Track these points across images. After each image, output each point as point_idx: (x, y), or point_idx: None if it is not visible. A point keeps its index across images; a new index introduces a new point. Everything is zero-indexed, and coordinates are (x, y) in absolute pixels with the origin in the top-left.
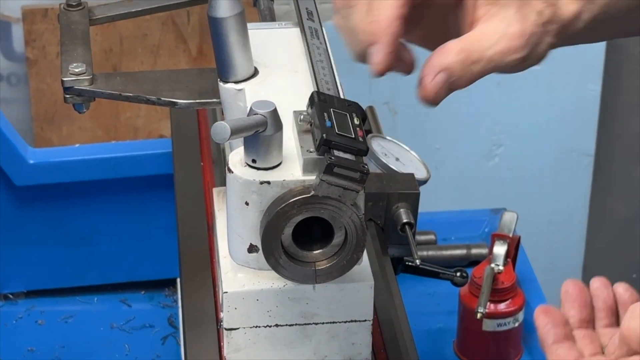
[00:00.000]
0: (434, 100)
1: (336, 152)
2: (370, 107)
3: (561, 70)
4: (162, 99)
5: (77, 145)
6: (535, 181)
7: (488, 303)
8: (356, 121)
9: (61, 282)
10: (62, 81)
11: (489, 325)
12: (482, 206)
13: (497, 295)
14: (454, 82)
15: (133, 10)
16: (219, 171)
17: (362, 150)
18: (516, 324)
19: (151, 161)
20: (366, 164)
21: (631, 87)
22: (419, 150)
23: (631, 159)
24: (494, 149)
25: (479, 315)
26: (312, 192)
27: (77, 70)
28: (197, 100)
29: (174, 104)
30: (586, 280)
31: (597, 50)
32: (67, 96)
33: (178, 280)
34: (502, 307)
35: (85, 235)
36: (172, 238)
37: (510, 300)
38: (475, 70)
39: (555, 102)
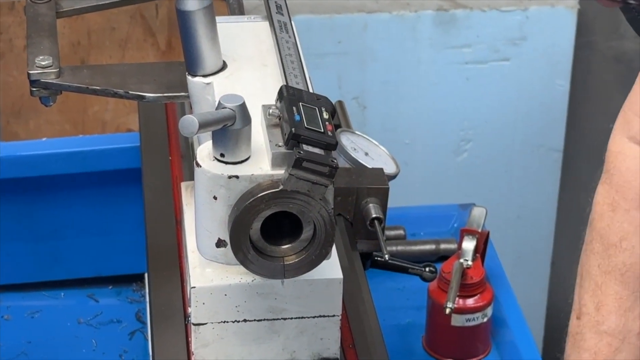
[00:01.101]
0: None
1: (305, 147)
2: (340, 102)
3: (530, 66)
4: (130, 92)
5: (44, 139)
6: (504, 176)
7: (457, 298)
8: (325, 115)
9: (28, 277)
10: (29, 74)
11: (457, 321)
12: (451, 201)
13: (466, 290)
14: None
15: (101, 3)
16: (188, 165)
17: (331, 145)
18: (485, 319)
19: (119, 155)
20: (335, 159)
21: (599, 83)
22: (388, 145)
23: (600, 155)
24: (462, 144)
25: (447, 311)
26: (281, 187)
27: (43, 63)
28: (165, 94)
29: (142, 97)
30: (554, 276)
31: (565, 46)
32: (34, 89)
33: (146, 275)
34: (470, 302)
35: (52, 230)
36: (140, 233)
37: (479, 295)
38: None
39: (524, 97)
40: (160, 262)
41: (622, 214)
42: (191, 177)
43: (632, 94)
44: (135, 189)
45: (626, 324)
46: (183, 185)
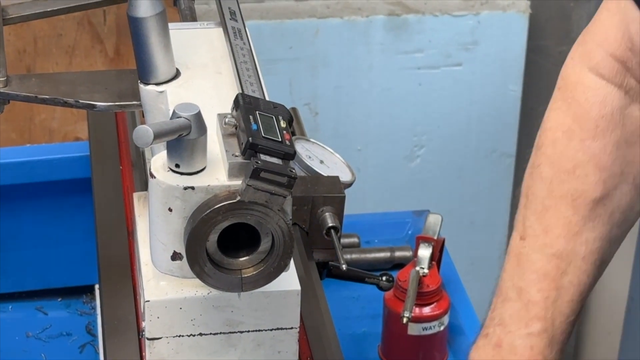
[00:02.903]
0: None
1: (263, 156)
2: (293, 109)
3: (482, 71)
4: (80, 101)
5: None
6: (457, 182)
7: (413, 307)
8: (282, 124)
9: None
10: None
11: (414, 329)
12: (405, 208)
13: (423, 298)
14: None
15: (48, 10)
16: (139, 175)
17: (289, 154)
18: (441, 327)
19: (68, 165)
20: (293, 169)
21: (551, 88)
22: (340, 151)
23: None
24: (415, 150)
25: (405, 320)
26: (238, 198)
27: None
28: (117, 103)
29: (93, 106)
30: None
31: (517, 51)
32: None
33: (96, 286)
34: (427, 310)
35: None
36: (90, 244)
37: (435, 303)
38: None
39: (476, 102)
40: (112, 274)
41: (577, 143)
42: (142, 187)
43: (593, 25)
44: (84, 199)
45: (574, 248)
46: (135, 195)
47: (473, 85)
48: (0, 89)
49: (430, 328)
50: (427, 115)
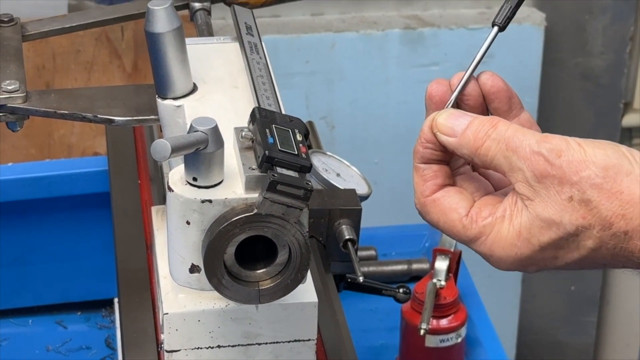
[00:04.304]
0: None
1: (279, 169)
2: (310, 122)
3: None
4: (99, 116)
5: (9, 164)
6: None
7: (431, 319)
8: (299, 137)
9: None
10: None
11: (431, 341)
12: (421, 221)
13: (440, 310)
14: None
15: (67, 26)
16: (157, 189)
17: (306, 167)
18: (459, 340)
19: (87, 179)
20: (310, 181)
21: (567, 100)
22: (356, 164)
23: None
24: None
25: (422, 332)
26: (255, 211)
27: (10, 87)
28: (135, 117)
29: (111, 121)
30: (525, 294)
31: (533, 64)
32: (0, 114)
33: (115, 300)
34: (444, 322)
35: (18, 256)
36: (109, 257)
37: (452, 315)
38: None
39: None
40: (131, 288)
41: None
42: (161, 201)
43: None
44: (103, 214)
45: None
46: (154, 209)
47: None
48: (19, 104)
49: (448, 340)
50: None
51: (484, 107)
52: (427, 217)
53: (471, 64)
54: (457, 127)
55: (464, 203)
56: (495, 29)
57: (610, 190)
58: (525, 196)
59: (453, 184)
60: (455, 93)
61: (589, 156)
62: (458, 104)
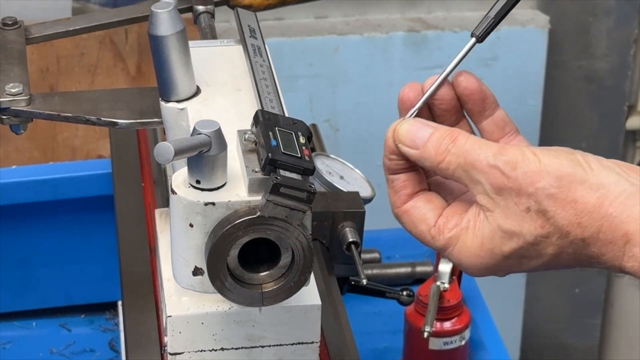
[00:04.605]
0: None
1: (282, 172)
2: (313, 125)
3: (501, 86)
4: (102, 119)
5: (13, 167)
6: None
7: (434, 321)
8: (302, 140)
9: None
10: None
11: (435, 344)
12: None
13: (443, 313)
14: None
15: (71, 29)
16: (161, 192)
17: (309, 170)
18: (462, 342)
19: (90, 182)
20: (313, 184)
21: (571, 102)
22: (360, 167)
23: None
24: None
25: (425, 334)
26: (258, 213)
27: (13, 90)
28: (138, 120)
29: (115, 124)
30: (529, 296)
31: (537, 66)
32: (4, 117)
33: (119, 303)
34: (448, 325)
35: (22, 259)
36: (112, 260)
37: (456, 318)
38: None
39: None
40: (134, 290)
41: None
42: (164, 204)
43: None
44: (107, 216)
45: None
46: (157, 212)
47: None
48: (23, 107)
49: (452, 343)
50: None
51: (458, 109)
52: (403, 227)
53: (444, 71)
54: (419, 139)
55: (433, 213)
56: (473, 40)
57: (565, 199)
58: (486, 208)
59: (426, 188)
60: (419, 103)
61: (543, 166)
62: (431, 108)
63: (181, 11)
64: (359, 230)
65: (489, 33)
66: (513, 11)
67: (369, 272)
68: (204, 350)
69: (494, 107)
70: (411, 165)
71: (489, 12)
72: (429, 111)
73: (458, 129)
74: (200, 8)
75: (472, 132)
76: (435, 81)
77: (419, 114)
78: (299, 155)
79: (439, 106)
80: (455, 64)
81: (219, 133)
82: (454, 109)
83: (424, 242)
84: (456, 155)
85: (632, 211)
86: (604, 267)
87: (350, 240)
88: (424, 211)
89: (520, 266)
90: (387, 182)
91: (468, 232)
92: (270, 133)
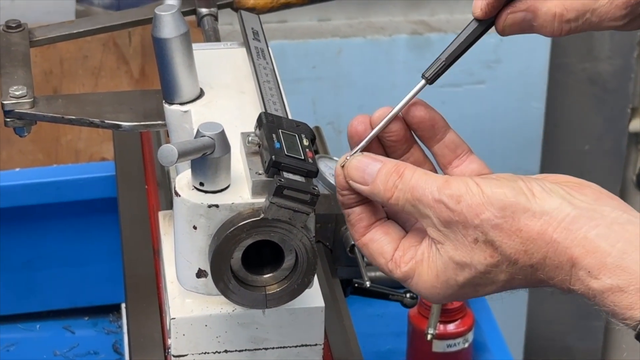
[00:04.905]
0: None
1: (286, 174)
2: (317, 127)
3: (505, 89)
4: (106, 121)
5: (17, 169)
6: None
7: (438, 324)
8: (305, 142)
9: (2, 310)
10: (3, 104)
11: (438, 347)
12: None
13: (447, 315)
14: None
15: (74, 32)
16: (164, 194)
17: (312, 172)
18: (466, 345)
19: (94, 185)
20: (316, 186)
21: (574, 105)
22: None
23: (576, 176)
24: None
25: (429, 337)
26: (262, 215)
27: (17, 93)
28: (142, 123)
29: (118, 126)
30: (532, 299)
31: (540, 69)
32: (8, 120)
33: (123, 305)
34: (451, 327)
35: (26, 261)
36: (116, 263)
37: (459, 320)
38: None
39: (500, 120)
40: (138, 293)
41: None
42: (168, 206)
43: None
44: (110, 219)
45: None
46: (161, 214)
47: (496, 103)
48: (27, 110)
49: (455, 345)
50: None
51: (409, 138)
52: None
53: (393, 110)
54: (368, 175)
55: (389, 246)
56: (422, 81)
57: (510, 229)
58: (437, 240)
59: (383, 217)
60: (367, 139)
61: (486, 197)
62: (381, 141)
63: (185, 14)
64: None
65: (439, 75)
66: None
67: (373, 274)
68: (208, 353)
69: (444, 130)
70: (365, 198)
71: (440, 54)
72: (379, 141)
73: (404, 163)
74: (204, 11)
75: (425, 156)
76: (384, 118)
77: (369, 147)
78: (303, 158)
79: (389, 138)
80: (404, 104)
81: (222, 135)
82: (404, 139)
83: (384, 273)
84: (403, 191)
85: (576, 235)
86: (555, 288)
87: (354, 242)
88: (382, 244)
89: (476, 293)
90: (345, 217)
91: (423, 264)
92: (274, 135)
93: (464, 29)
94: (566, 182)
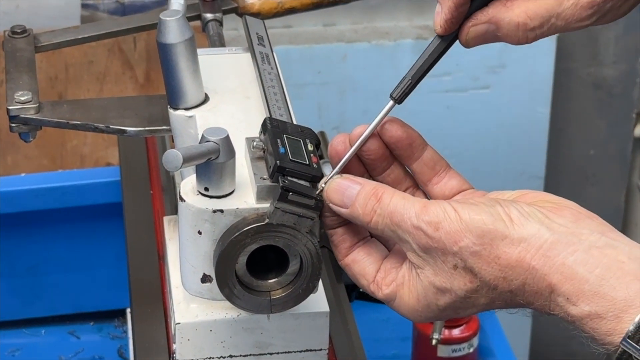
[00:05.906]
0: None
1: (290, 179)
2: (322, 132)
3: (510, 94)
4: (111, 126)
5: (22, 174)
6: None
7: (443, 329)
8: (310, 147)
9: (7, 315)
10: (8, 110)
11: (444, 351)
12: None
13: (452, 320)
14: None
15: (79, 37)
16: (169, 199)
17: (317, 177)
18: (471, 349)
19: (99, 190)
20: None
21: (579, 109)
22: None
23: (581, 181)
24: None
25: (434, 342)
26: (267, 220)
27: (22, 98)
28: (147, 128)
29: (123, 131)
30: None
31: (545, 73)
32: (13, 125)
33: (128, 310)
34: (456, 332)
35: (31, 266)
36: (121, 268)
37: (464, 325)
38: None
39: (505, 125)
40: (143, 298)
41: None
42: (173, 211)
43: None
44: (115, 224)
45: None
46: (165, 219)
47: (501, 108)
48: (32, 115)
49: (460, 350)
50: (455, 138)
51: (388, 156)
52: None
53: (367, 129)
54: (347, 198)
55: (371, 268)
56: (391, 102)
57: (489, 256)
58: (417, 265)
59: (366, 236)
60: (344, 159)
61: (464, 224)
62: (361, 159)
63: (189, 19)
64: None
65: (407, 95)
66: None
67: None
68: (213, 358)
69: (422, 148)
70: (346, 219)
71: (406, 73)
72: (359, 160)
73: (383, 186)
74: (209, 16)
75: (406, 173)
76: (362, 135)
77: (349, 165)
78: (307, 163)
79: (367, 157)
80: (375, 125)
81: (227, 140)
82: (382, 157)
83: (367, 293)
84: (382, 216)
85: (554, 262)
86: (535, 311)
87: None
88: (364, 265)
89: (457, 314)
90: (327, 237)
91: (404, 288)
92: (279, 140)
93: (428, 46)
94: (544, 203)
